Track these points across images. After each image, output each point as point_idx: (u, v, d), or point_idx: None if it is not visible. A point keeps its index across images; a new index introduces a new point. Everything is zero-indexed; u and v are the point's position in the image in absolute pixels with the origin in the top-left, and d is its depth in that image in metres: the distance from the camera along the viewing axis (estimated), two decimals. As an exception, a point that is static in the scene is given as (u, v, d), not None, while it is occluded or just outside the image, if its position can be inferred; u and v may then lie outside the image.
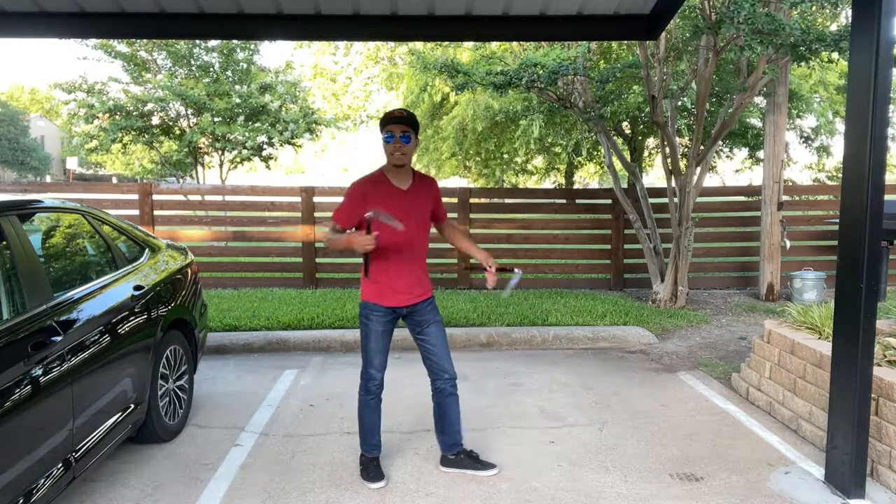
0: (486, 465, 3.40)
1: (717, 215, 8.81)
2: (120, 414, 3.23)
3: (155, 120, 12.67)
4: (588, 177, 20.61)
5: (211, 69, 12.90)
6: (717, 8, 6.11)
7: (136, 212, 8.46)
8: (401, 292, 3.17)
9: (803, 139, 12.19)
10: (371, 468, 3.31)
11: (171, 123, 12.70)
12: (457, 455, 3.41)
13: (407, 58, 17.85)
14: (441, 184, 17.66)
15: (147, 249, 4.10)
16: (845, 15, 7.87)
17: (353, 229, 3.14)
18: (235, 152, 12.89)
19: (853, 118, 2.97)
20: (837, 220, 3.24)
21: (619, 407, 4.40)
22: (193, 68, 12.79)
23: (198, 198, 10.10)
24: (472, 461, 3.40)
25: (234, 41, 12.38)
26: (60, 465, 2.70)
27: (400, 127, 3.04)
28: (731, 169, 13.28)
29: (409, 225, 3.08)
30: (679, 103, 8.18)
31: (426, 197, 3.23)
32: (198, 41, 12.36)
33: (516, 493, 3.19)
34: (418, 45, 13.33)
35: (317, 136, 14.34)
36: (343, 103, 25.81)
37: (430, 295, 3.29)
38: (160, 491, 3.21)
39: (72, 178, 37.36)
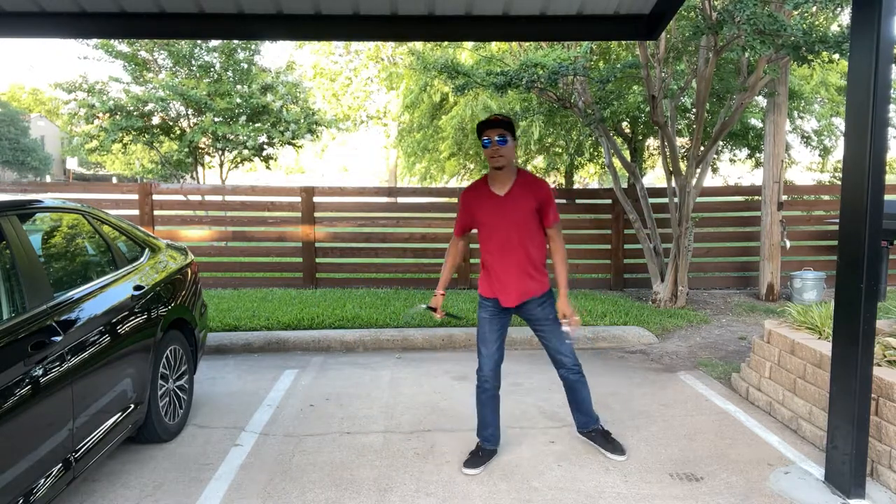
0: (616, 448, 3.58)
1: (717, 215, 8.81)
2: (120, 414, 3.23)
3: (155, 120, 12.67)
4: (588, 177, 20.61)
5: (212, 69, 12.90)
6: (717, 8, 6.11)
7: (136, 212, 8.47)
8: (501, 290, 3.36)
9: (804, 140, 12.19)
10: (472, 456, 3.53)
11: (171, 123, 12.70)
12: (589, 432, 3.67)
13: (406, 58, 17.84)
14: (441, 184, 17.69)
15: (147, 249, 4.10)
16: (846, 16, 7.86)
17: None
18: (236, 152, 12.89)
19: (853, 118, 2.97)
20: (837, 220, 3.23)
21: (619, 407, 4.40)
22: (194, 68, 12.79)
23: (198, 198, 10.10)
24: (604, 440, 3.62)
25: (235, 41, 12.39)
26: (60, 465, 2.70)
27: (496, 131, 3.22)
28: (739, 173, 13.27)
29: (505, 228, 3.29)
30: (679, 103, 8.18)
31: (527, 200, 3.30)
32: (199, 41, 12.37)
33: (516, 493, 3.19)
34: (418, 45, 13.33)
35: (317, 136, 14.34)
36: (343, 103, 25.83)
37: (539, 294, 3.38)
38: (160, 491, 3.21)
39: (71, 178, 37.36)
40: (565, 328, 3.39)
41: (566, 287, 3.40)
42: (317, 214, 8.59)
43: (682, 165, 7.68)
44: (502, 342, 3.48)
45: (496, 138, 3.21)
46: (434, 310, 3.56)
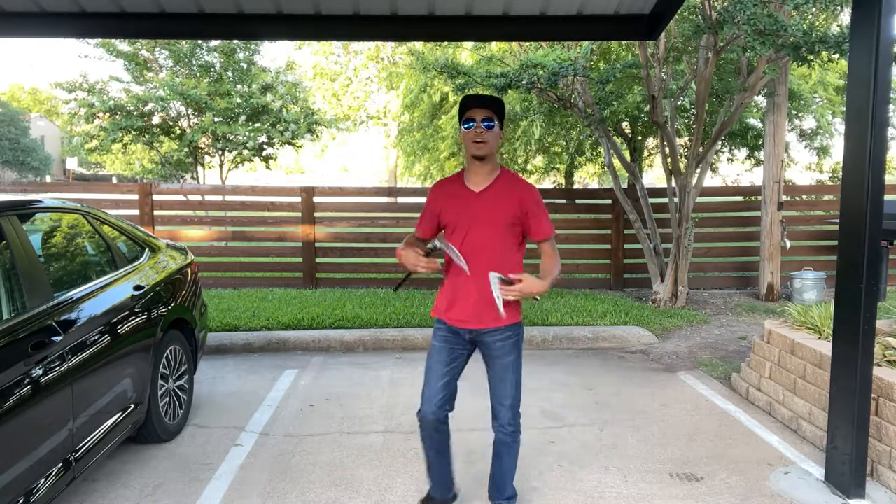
0: None
1: (717, 215, 8.81)
2: (120, 414, 3.23)
3: (155, 119, 12.68)
4: (588, 177, 20.60)
5: (212, 69, 12.91)
6: (717, 9, 6.11)
7: (136, 212, 8.47)
8: (452, 306, 2.74)
9: (803, 139, 12.18)
10: None
11: (171, 123, 12.70)
12: None
13: (406, 58, 17.85)
14: (441, 184, 17.71)
15: (147, 249, 4.10)
16: (846, 15, 7.86)
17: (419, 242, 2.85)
18: (236, 152, 12.90)
19: (853, 118, 2.97)
20: (837, 220, 3.23)
21: (619, 407, 4.40)
22: (195, 68, 12.80)
23: (198, 198, 10.10)
24: None
25: (235, 41, 12.39)
26: (60, 465, 2.70)
27: (483, 112, 2.56)
28: (738, 171, 13.27)
29: (473, 231, 2.63)
30: (679, 103, 8.17)
31: (506, 203, 2.62)
32: (199, 41, 12.37)
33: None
34: (418, 45, 13.31)
35: (317, 136, 14.35)
36: (343, 103, 25.83)
37: (502, 325, 2.67)
38: (160, 491, 3.21)
39: (71, 178, 37.35)
40: (508, 280, 2.56)
41: (551, 277, 2.71)
42: (317, 214, 8.59)
43: (682, 165, 7.68)
44: (452, 378, 2.79)
45: (482, 120, 2.55)
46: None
